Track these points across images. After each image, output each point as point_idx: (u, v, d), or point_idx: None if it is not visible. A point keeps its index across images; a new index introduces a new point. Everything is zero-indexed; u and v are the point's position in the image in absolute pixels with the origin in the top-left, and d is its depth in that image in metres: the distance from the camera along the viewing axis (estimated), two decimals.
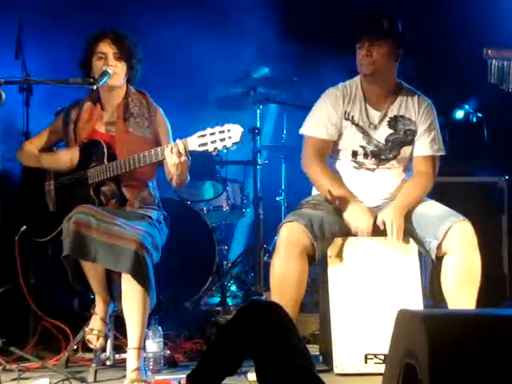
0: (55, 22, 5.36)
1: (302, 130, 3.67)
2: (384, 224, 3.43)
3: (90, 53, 3.48)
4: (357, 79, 3.65)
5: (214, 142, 3.10)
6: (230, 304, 4.71)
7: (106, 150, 3.40)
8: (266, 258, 4.96)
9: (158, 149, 3.25)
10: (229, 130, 3.09)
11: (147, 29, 4.82)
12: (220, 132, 3.10)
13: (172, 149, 3.18)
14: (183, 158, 3.19)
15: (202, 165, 4.90)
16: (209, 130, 3.11)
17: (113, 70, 3.43)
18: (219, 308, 4.59)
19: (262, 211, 4.99)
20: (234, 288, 5.04)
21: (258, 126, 5.09)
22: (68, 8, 5.47)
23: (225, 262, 4.96)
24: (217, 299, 4.80)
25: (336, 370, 3.31)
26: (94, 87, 3.34)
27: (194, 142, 3.14)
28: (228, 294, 4.86)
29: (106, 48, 3.46)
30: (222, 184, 5.04)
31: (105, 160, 3.38)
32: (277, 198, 5.43)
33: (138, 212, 3.40)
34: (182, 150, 3.18)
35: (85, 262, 3.20)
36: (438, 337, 1.75)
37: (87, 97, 3.60)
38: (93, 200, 3.38)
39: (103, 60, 3.44)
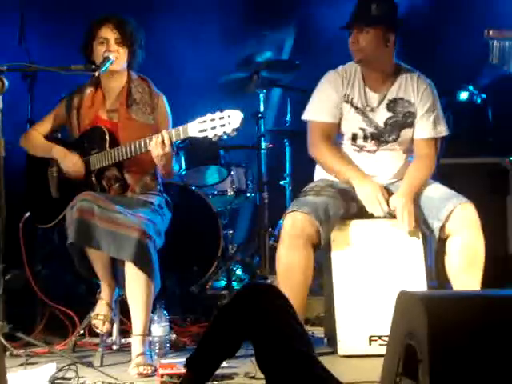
0: (59, 8, 5.36)
1: (305, 116, 3.66)
2: (395, 210, 3.43)
3: (91, 37, 3.49)
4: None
5: (214, 128, 3.11)
6: (236, 288, 4.73)
7: (107, 137, 3.41)
8: (271, 242, 4.98)
9: (147, 139, 3.25)
10: (229, 116, 3.09)
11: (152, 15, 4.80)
12: (220, 118, 3.10)
13: (156, 140, 3.19)
14: (166, 150, 3.21)
15: (206, 150, 4.90)
16: (209, 116, 3.12)
17: (114, 56, 3.43)
18: (225, 292, 4.60)
19: (266, 195, 5.00)
20: (239, 272, 5.05)
21: (262, 110, 5.09)
22: None
23: (230, 247, 4.97)
24: (222, 283, 4.82)
25: (340, 351, 3.34)
26: (96, 74, 3.35)
27: (194, 128, 3.15)
28: (234, 278, 4.87)
29: (108, 33, 3.46)
30: (227, 169, 5.04)
31: (107, 146, 3.40)
32: (281, 182, 5.43)
33: (140, 198, 3.42)
34: (166, 141, 3.19)
35: (89, 248, 3.22)
36: (437, 318, 1.76)
37: (88, 82, 3.61)
38: (95, 186, 3.40)
39: (104, 45, 3.45)
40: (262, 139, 4.98)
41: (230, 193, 5.04)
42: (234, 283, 4.83)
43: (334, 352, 3.39)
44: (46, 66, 3.51)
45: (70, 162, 3.47)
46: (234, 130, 3.09)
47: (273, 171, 5.25)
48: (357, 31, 3.49)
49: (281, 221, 5.10)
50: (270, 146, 5.09)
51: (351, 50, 3.53)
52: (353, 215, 3.52)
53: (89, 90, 3.58)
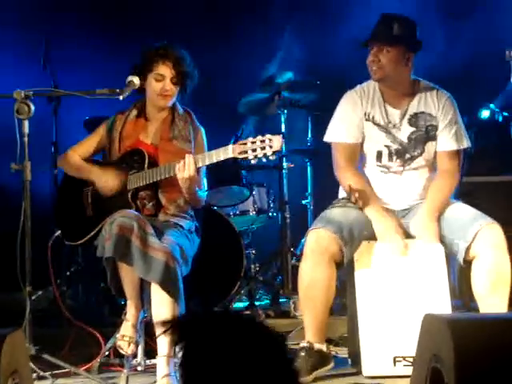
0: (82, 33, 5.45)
1: (327, 138, 3.67)
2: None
3: (147, 69, 3.56)
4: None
5: (255, 150, 3.18)
6: (259, 308, 4.74)
7: (147, 159, 3.49)
8: (293, 262, 4.99)
9: (176, 162, 3.33)
10: (270, 140, 3.18)
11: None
12: (261, 141, 3.19)
13: (183, 163, 3.26)
14: (190, 174, 3.29)
15: (228, 170, 4.93)
16: (250, 139, 3.21)
17: (169, 93, 3.55)
18: (248, 312, 4.62)
19: (288, 215, 5.02)
20: (262, 292, 5.07)
21: (283, 130, 5.12)
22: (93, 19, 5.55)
23: (252, 266, 4.99)
24: (245, 303, 4.83)
25: (365, 372, 3.33)
26: (121, 98, 3.39)
27: (234, 150, 3.22)
28: (256, 298, 4.89)
29: (166, 71, 3.55)
30: (249, 188, 5.07)
31: (145, 167, 3.47)
32: (303, 202, 5.45)
33: (171, 221, 3.48)
34: (190, 164, 3.26)
35: (123, 265, 3.26)
36: (463, 341, 1.77)
37: (132, 107, 3.69)
38: (130, 205, 3.47)
39: (161, 82, 3.54)
40: (284, 159, 5.00)
41: (252, 212, 5.06)
42: (257, 303, 4.84)
43: (359, 372, 3.38)
44: (71, 90, 3.58)
45: (105, 180, 3.55)
46: (274, 153, 3.17)
47: (294, 191, 5.28)
48: (377, 49, 3.50)
49: (303, 239, 5.19)
50: (291, 165, 5.11)
51: (370, 68, 3.54)
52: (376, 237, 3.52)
53: (132, 115, 3.67)
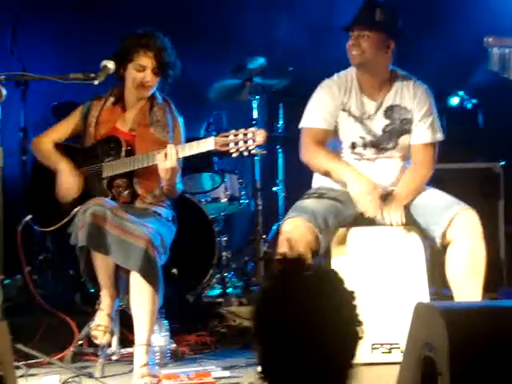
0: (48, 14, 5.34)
1: (301, 124, 3.65)
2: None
3: (128, 57, 3.49)
4: (351, 69, 3.62)
5: (237, 143, 3.14)
6: (231, 295, 4.71)
7: (124, 147, 3.43)
8: (265, 249, 4.98)
9: (155, 152, 3.28)
10: (253, 133, 3.14)
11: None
12: (244, 134, 3.14)
13: (165, 154, 3.21)
14: (171, 164, 3.25)
15: (200, 156, 4.87)
16: (233, 132, 3.16)
17: (149, 84, 3.50)
18: (221, 299, 4.60)
19: (260, 202, 5.00)
20: (234, 279, 5.05)
21: (255, 116, 5.08)
22: None
23: (224, 254, 4.96)
24: (217, 291, 4.80)
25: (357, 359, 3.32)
26: (96, 82, 3.32)
27: (216, 142, 3.19)
28: (228, 285, 4.86)
29: (147, 62, 3.49)
30: (220, 175, 5.03)
31: (122, 155, 3.42)
32: (274, 189, 5.43)
33: (149, 209, 3.44)
34: (172, 155, 3.22)
35: (97, 254, 3.20)
36: (457, 330, 1.76)
37: (110, 93, 3.62)
38: (106, 193, 3.41)
39: (141, 73, 3.47)
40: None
41: (224, 199, 5.02)
42: (229, 290, 4.81)
43: None
44: (42, 74, 3.49)
45: (67, 183, 3.49)
46: (257, 147, 3.13)
47: (265, 178, 5.25)
48: (358, 34, 3.48)
49: (274, 226, 5.18)
50: (264, 152, 5.06)
51: (350, 53, 3.52)
52: (352, 222, 3.52)
53: (109, 102, 3.59)
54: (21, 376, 3.20)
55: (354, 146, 3.58)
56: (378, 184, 3.47)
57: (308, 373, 1.61)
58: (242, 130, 3.19)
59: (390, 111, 3.57)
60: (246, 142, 3.18)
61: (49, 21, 5.38)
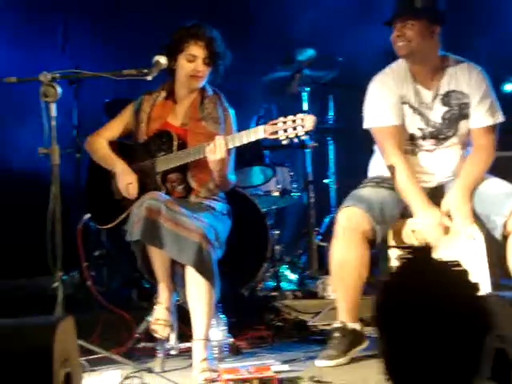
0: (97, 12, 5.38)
1: (367, 124, 3.56)
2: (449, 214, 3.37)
3: (178, 49, 3.49)
4: (402, 61, 3.54)
5: (286, 130, 3.11)
6: (285, 289, 4.70)
7: (176, 141, 3.43)
8: (318, 242, 4.95)
9: (205, 144, 3.27)
10: (302, 120, 3.11)
11: None
12: (292, 121, 3.12)
13: (214, 145, 3.20)
14: (220, 155, 3.24)
15: (250, 150, 4.87)
16: (281, 119, 3.13)
17: (201, 74, 3.49)
18: (275, 293, 4.58)
19: (312, 194, 4.97)
20: (287, 273, 5.02)
21: (305, 108, 5.05)
22: None
23: (277, 247, 4.93)
24: (271, 285, 4.79)
25: None
26: (149, 78, 3.32)
27: (265, 131, 3.17)
28: (282, 279, 4.85)
29: (198, 51, 3.48)
30: (271, 169, 5.01)
31: (174, 149, 3.42)
32: (325, 181, 5.39)
33: (203, 203, 3.43)
34: (221, 146, 3.21)
35: (153, 248, 3.21)
36: None
37: (161, 88, 3.63)
38: (160, 188, 3.42)
39: (193, 63, 3.46)
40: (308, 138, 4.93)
41: (275, 193, 5.00)
42: (283, 284, 4.80)
43: None
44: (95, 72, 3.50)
45: (125, 182, 3.49)
46: (306, 132, 3.10)
47: (316, 170, 5.22)
48: (401, 24, 3.42)
49: (326, 219, 5.14)
50: (315, 144, 5.05)
51: (396, 45, 3.44)
52: (408, 215, 3.46)
53: (161, 97, 3.60)
54: (82, 372, 3.21)
55: (412, 137, 3.52)
56: (443, 217, 3.38)
57: (437, 367, 1.56)
58: (291, 117, 3.16)
59: (447, 98, 3.50)
60: (295, 128, 3.14)
61: (99, 18, 5.41)
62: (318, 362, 3.22)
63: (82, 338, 3.44)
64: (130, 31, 5.48)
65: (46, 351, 1.71)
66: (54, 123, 3.19)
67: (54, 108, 3.19)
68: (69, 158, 4.49)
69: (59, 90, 3.19)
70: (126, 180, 3.49)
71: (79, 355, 3.21)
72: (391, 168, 3.42)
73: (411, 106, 3.49)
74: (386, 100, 3.49)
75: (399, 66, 3.55)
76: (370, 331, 3.66)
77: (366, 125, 3.56)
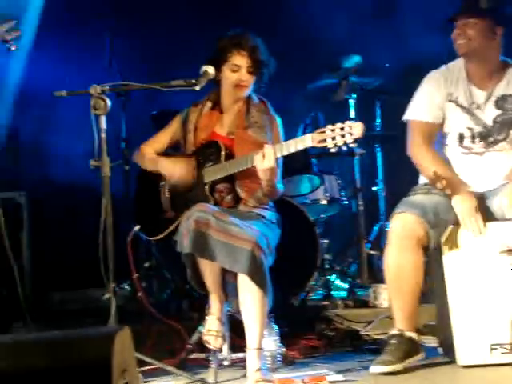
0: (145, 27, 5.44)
1: (406, 116, 3.58)
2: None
3: (222, 59, 3.49)
4: (459, 60, 3.53)
5: (334, 138, 3.09)
6: (336, 298, 4.65)
7: (223, 151, 3.43)
8: (368, 250, 4.91)
9: (254, 153, 3.26)
10: (350, 127, 3.08)
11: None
12: (341, 128, 3.09)
13: (262, 155, 3.19)
14: (269, 164, 3.21)
15: (297, 159, 4.84)
16: (329, 127, 3.11)
17: (245, 83, 3.48)
18: (326, 302, 4.54)
19: (361, 202, 4.93)
20: (338, 282, 4.98)
21: (353, 116, 5.01)
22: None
23: (327, 256, 4.90)
24: (322, 294, 4.75)
25: (460, 362, 3.22)
26: (197, 88, 3.32)
27: (313, 139, 3.14)
28: (332, 288, 4.80)
29: (242, 61, 3.47)
30: (319, 177, 4.98)
31: (222, 160, 3.41)
32: (373, 189, 5.35)
33: (252, 211, 3.41)
34: (269, 155, 3.18)
35: (203, 260, 3.21)
36: None
37: (206, 98, 3.63)
38: (208, 199, 3.41)
39: (236, 73, 3.46)
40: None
41: (324, 201, 4.96)
42: (334, 293, 4.75)
43: (452, 362, 3.27)
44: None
45: (177, 170, 3.50)
46: (355, 140, 3.07)
47: (365, 178, 5.18)
48: (464, 22, 3.38)
49: (375, 227, 5.09)
50: (363, 152, 5.01)
51: (456, 42, 3.42)
52: None
53: (207, 107, 3.60)
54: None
55: (461, 137, 3.47)
56: (478, 204, 3.33)
57: None
58: (339, 125, 3.13)
59: (502, 101, 3.45)
60: (343, 136, 3.11)
61: (144, 30, 5.46)
62: (373, 368, 3.17)
63: (135, 348, 3.48)
64: (174, 43, 5.51)
65: (105, 362, 1.71)
66: (104, 135, 3.21)
67: (103, 120, 3.21)
68: (118, 171, 4.52)
69: (109, 102, 3.22)
70: (174, 164, 3.51)
71: (137, 366, 3.26)
72: (414, 158, 3.45)
73: (459, 105, 3.46)
74: (430, 97, 3.49)
75: (456, 64, 3.54)
76: (422, 340, 3.62)
77: (405, 116, 3.57)
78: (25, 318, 4.22)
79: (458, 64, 3.52)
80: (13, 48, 2.80)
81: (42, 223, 5.21)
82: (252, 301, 3.14)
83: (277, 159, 3.29)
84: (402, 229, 3.27)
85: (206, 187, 3.47)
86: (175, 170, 3.52)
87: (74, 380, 1.68)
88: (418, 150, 3.49)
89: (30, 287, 4.85)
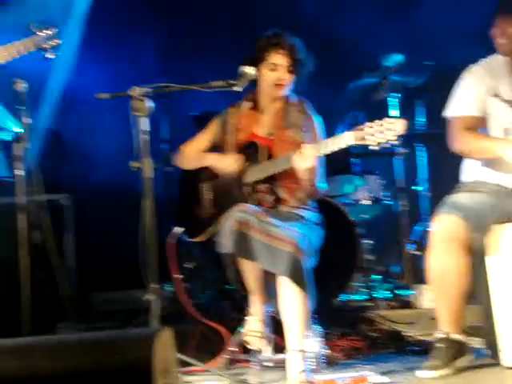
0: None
1: (448, 113, 3.50)
2: None
3: (260, 58, 3.49)
4: (498, 55, 3.45)
5: (373, 135, 3.05)
6: (378, 299, 4.61)
7: (262, 152, 3.42)
8: (411, 250, 4.85)
9: (292, 153, 3.24)
10: (390, 124, 3.04)
11: None
12: (380, 125, 3.05)
13: (301, 154, 3.17)
14: (309, 164, 3.17)
15: (338, 158, 4.81)
16: (367, 124, 3.08)
17: (284, 82, 3.48)
18: (368, 303, 4.50)
19: (404, 202, 4.88)
20: (380, 282, 4.94)
21: (394, 115, 4.96)
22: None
23: (369, 257, 4.86)
24: (364, 295, 4.71)
25: (506, 363, 3.16)
26: (237, 89, 3.32)
27: (353, 137, 3.10)
28: (375, 289, 4.76)
29: (280, 60, 3.48)
30: (361, 177, 4.95)
31: (261, 160, 3.41)
32: (416, 188, 5.29)
33: (293, 212, 3.39)
34: (308, 154, 3.15)
35: (244, 260, 3.20)
36: None
37: (244, 99, 3.62)
38: (249, 200, 3.40)
39: (275, 72, 3.46)
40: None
41: (366, 202, 4.94)
42: (376, 294, 4.71)
43: (498, 363, 3.21)
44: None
45: (226, 161, 3.51)
46: (396, 136, 3.03)
47: (407, 177, 5.12)
48: (504, 22, 3.33)
49: (418, 227, 5.03)
50: (405, 151, 4.96)
51: (496, 41, 3.37)
52: (508, 218, 3.33)
53: (245, 108, 3.60)
54: None
55: (507, 132, 3.40)
56: None
57: None
58: (378, 122, 3.09)
59: None
60: (382, 132, 3.07)
61: (187, 32, 5.49)
62: (421, 373, 3.12)
63: (177, 350, 3.49)
64: (218, 43, 5.53)
65: (145, 363, 1.71)
66: (145, 137, 3.22)
67: (144, 122, 3.23)
68: (160, 172, 4.55)
69: (149, 104, 3.23)
70: (225, 160, 3.51)
71: (177, 367, 3.27)
72: (461, 147, 3.36)
73: (503, 100, 3.39)
74: (472, 91, 3.42)
75: (496, 59, 3.47)
76: (470, 342, 3.56)
77: (446, 113, 3.50)
78: (69, 318, 4.27)
79: (498, 58, 3.45)
80: (50, 56, 2.83)
81: (86, 225, 5.26)
82: (292, 302, 3.13)
83: (317, 158, 3.27)
84: (445, 231, 3.22)
85: (247, 188, 3.46)
86: (227, 161, 3.51)
87: (116, 380, 1.68)
88: (460, 139, 3.38)
89: (74, 288, 4.90)
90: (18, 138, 3.86)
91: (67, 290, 4.38)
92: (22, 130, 3.81)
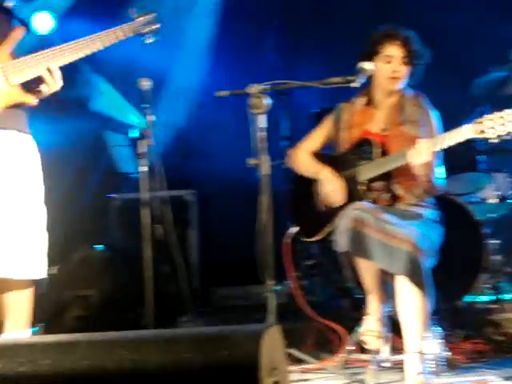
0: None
1: None
2: None
3: (374, 51, 3.44)
4: None
5: (493, 128, 2.93)
6: (506, 301, 4.42)
7: (376, 149, 3.36)
8: None
9: (406, 149, 3.15)
10: (510, 115, 2.91)
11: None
12: (500, 117, 2.92)
13: (416, 149, 3.08)
14: (424, 159, 3.07)
15: (463, 155, 4.66)
16: (486, 117, 2.96)
17: (399, 75, 3.40)
18: (495, 306, 4.32)
19: None
20: (506, 284, 4.73)
21: None
22: None
23: (496, 258, 4.65)
24: (491, 296, 4.53)
25: None
26: (355, 85, 3.26)
27: (471, 130, 3.00)
28: (502, 291, 4.57)
29: (394, 51, 3.41)
30: (487, 174, 4.76)
31: (374, 157, 3.35)
32: None
33: (411, 210, 3.30)
34: (422, 150, 3.06)
35: (360, 259, 3.16)
36: None
37: (359, 95, 3.57)
38: (364, 197, 3.35)
39: (390, 64, 3.40)
40: None
41: (493, 200, 4.74)
42: (503, 296, 4.52)
43: None
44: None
45: (328, 188, 3.47)
46: None
47: None
48: None
49: None
50: None
51: None
52: None
53: (360, 104, 3.55)
54: (294, 381, 3.22)
55: None
56: None
57: None
58: (498, 113, 2.96)
59: None
60: (503, 124, 2.93)
61: (309, 28, 5.47)
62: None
63: (294, 347, 3.50)
64: (339, 40, 5.48)
65: (252, 359, 1.71)
66: (262, 134, 3.23)
67: (262, 119, 3.23)
68: (278, 169, 4.55)
69: (267, 101, 3.22)
70: (330, 187, 3.46)
71: (289, 364, 3.27)
72: None
73: None
74: None
75: None
76: None
77: None
78: (190, 312, 4.36)
79: None
80: (149, 41, 2.88)
81: (209, 220, 5.35)
82: (410, 303, 3.05)
83: (434, 153, 3.17)
84: None
85: (362, 186, 3.40)
86: (332, 193, 3.47)
87: (222, 376, 1.69)
88: None
89: (197, 283, 5.00)
90: (142, 135, 3.98)
91: (189, 284, 4.47)
92: (147, 127, 3.93)
